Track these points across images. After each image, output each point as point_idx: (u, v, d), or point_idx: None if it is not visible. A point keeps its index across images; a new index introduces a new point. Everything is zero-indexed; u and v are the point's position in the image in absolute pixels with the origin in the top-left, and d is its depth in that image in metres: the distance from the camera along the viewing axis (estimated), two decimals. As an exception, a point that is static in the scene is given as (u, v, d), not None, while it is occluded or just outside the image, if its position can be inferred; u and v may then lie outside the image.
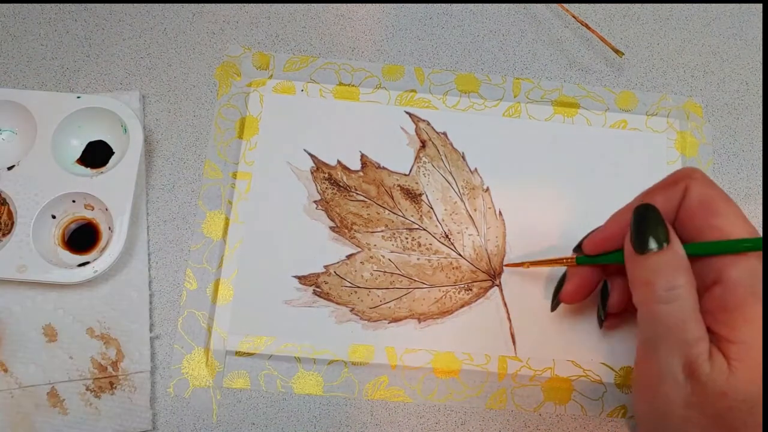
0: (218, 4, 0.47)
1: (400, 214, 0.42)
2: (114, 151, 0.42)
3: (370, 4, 0.48)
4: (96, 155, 0.42)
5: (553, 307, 0.40)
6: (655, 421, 0.31)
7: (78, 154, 0.42)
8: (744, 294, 0.29)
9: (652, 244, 0.30)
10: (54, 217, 0.41)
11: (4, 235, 0.40)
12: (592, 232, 0.36)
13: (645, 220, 0.31)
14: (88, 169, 0.42)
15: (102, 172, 0.41)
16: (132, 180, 0.40)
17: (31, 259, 0.38)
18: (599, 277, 0.37)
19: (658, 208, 0.31)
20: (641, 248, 0.30)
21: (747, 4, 0.49)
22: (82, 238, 0.41)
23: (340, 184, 0.43)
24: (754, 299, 0.29)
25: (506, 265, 0.41)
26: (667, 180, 0.33)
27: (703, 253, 0.30)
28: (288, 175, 0.43)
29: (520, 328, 0.40)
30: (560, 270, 0.39)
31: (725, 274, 0.29)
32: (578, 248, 0.37)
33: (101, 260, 0.39)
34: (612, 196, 0.43)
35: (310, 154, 0.43)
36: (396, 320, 0.40)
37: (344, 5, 0.47)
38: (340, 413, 0.39)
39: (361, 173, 0.43)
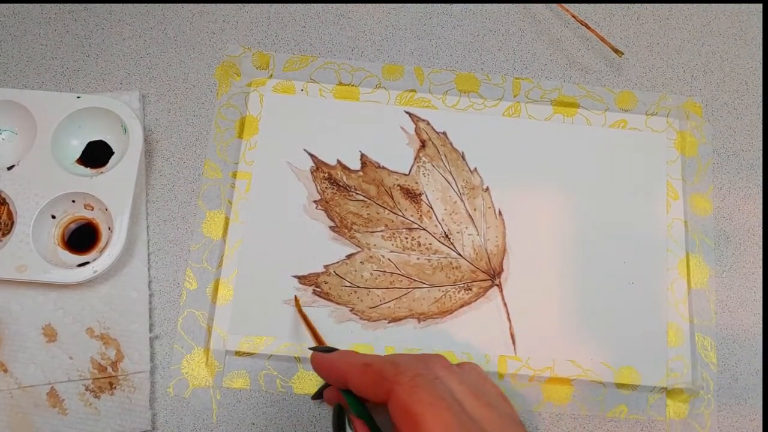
0: (218, 4, 0.47)
1: (400, 213, 0.42)
2: (114, 151, 0.42)
3: (370, 4, 0.48)
4: (96, 155, 0.42)
5: (314, 397, 0.39)
6: None
7: (78, 154, 0.42)
8: None
9: None
10: (54, 217, 0.41)
11: (3, 235, 0.40)
12: (322, 351, 0.35)
13: (335, 427, 0.34)
14: (88, 169, 0.42)
15: (102, 172, 0.41)
16: (132, 180, 0.40)
17: (31, 259, 0.38)
18: None
19: (344, 413, 0.34)
20: None
21: (747, 4, 0.49)
22: (82, 238, 0.41)
23: (340, 183, 0.43)
24: None
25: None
26: (378, 371, 0.31)
27: None
28: (288, 174, 0.43)
29: (520, 327, 0.40)
30: None
31: None
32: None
33: (101, 260, 0.39)
34: (611, 195, 0.43)
35: (309, 154, 0.43)
36: (396, 320, 0.40)
37: (344, 5, 0.47)
38: (340, 413, 0.39)
39: (360, 173, 0.43)
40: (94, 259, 0.39)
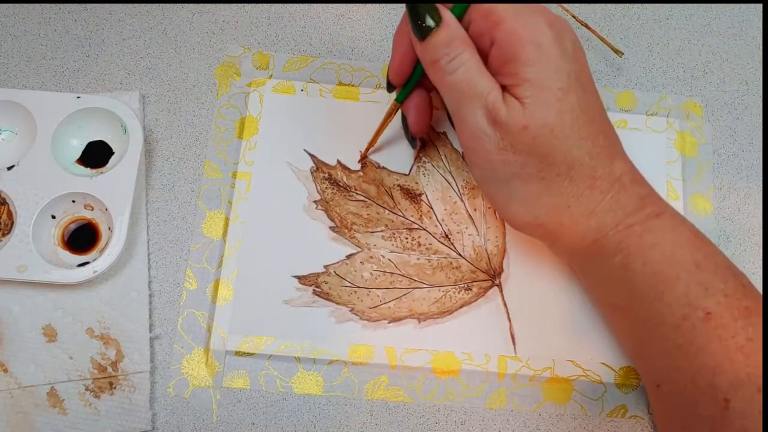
0: (218, 4, 0.47)
1: (400, 214, 0.42)
2: (114, 151, 0.42)
3: (370, 4, 0.48)
4: (96, 155, 0.42)
5: (414, 145, 0.41)
6: (487, 179, 0.35)
7: (78, 154, 0.42)
8: (514, 44, 0.31)
9: (429, 23, 0.32)
10: (54, 217, 0.41)
11: (3, 235, 0.40)
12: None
13: (415, 10, 0.33)
14: (88, 169, 0.42)
15: (102, 173, 0.41)
16: (132, 180, 0.40)
17: (31, 259, 0.38)
18: (428, 98, 0.39)
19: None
20: (420, 34, 0.32)
21: (747, 4, 0.49)
22: (82, 238, 0.41)
23: (340, 183, 0.43)
24: (524, 46, 0.31)
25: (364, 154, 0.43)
26: None
27: (464, 7, 0.33)
28: (288, 175, 0.43)
29: (520, 328, 0.40)
30: None
31: (496, 35, 0.32)
32: (390, 86, 0.38)
33: (101, 260, 0.39)
34: (612, 195, 0.43)
35: (309, 154, 0.43)
36: (396, 320, 0.40)
37: (344, 5, 0.47)
38: (340, 413, 0.39)
39: (360, 173, 0.43)
40: (94, 259, 0.39)
